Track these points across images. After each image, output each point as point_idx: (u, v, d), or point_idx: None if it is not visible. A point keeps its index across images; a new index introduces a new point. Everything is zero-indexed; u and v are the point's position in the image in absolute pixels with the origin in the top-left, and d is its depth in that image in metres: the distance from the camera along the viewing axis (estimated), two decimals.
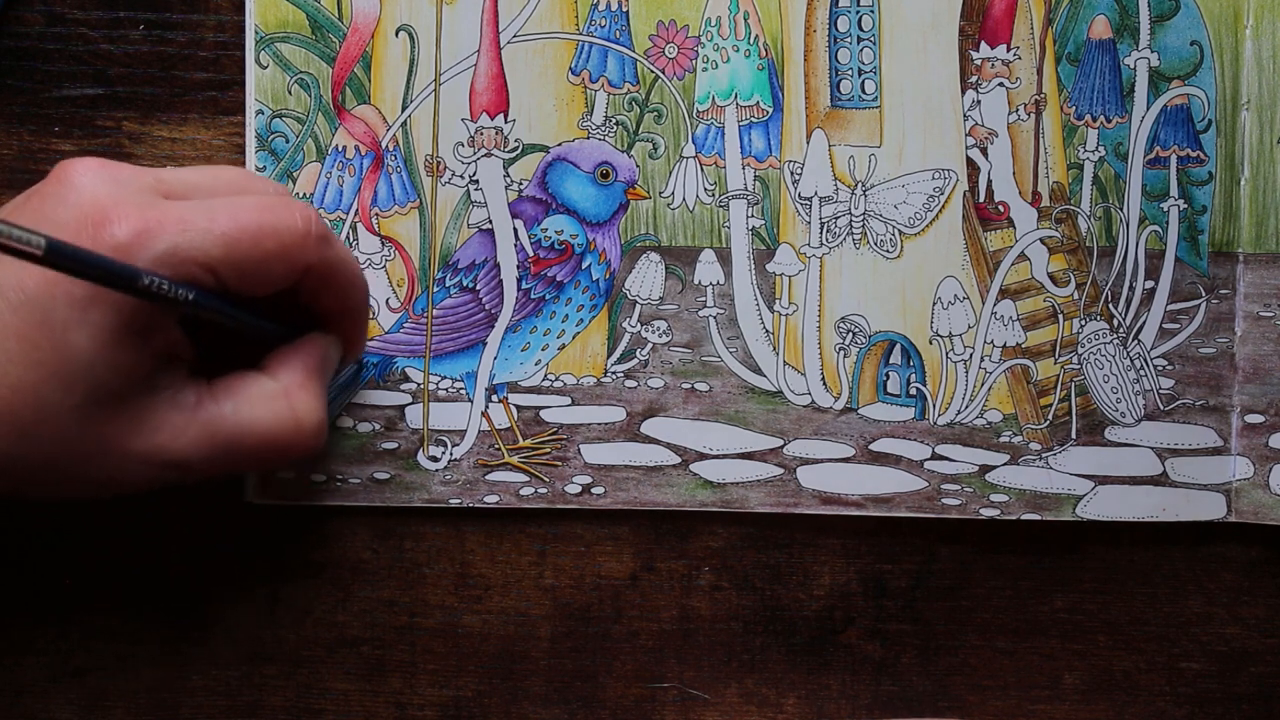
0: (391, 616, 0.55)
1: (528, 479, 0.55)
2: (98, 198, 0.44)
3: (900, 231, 0.55)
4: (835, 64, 0.55)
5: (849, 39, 0.55)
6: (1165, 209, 0.55)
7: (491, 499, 0.55)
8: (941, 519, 0.55)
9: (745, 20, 0.55)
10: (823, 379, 0.55)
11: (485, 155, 0.55)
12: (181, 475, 0.46)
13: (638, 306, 0.55)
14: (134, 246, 0.43)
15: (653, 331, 0.55)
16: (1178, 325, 0.56)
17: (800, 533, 0.56)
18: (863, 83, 0.55)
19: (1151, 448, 0.56)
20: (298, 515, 0.55)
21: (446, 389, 0.55)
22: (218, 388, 0.47)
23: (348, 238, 0.54)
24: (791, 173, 0.55)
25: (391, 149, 0.54)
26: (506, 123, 0.55)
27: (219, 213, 0.45)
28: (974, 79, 0.55)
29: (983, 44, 0.55)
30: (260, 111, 0.54)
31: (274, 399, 0.47)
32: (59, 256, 0.40)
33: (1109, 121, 0.55)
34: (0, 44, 0.54)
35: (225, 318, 0.46)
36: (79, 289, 0.43)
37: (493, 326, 0.55)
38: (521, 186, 0.55)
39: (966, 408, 0.55)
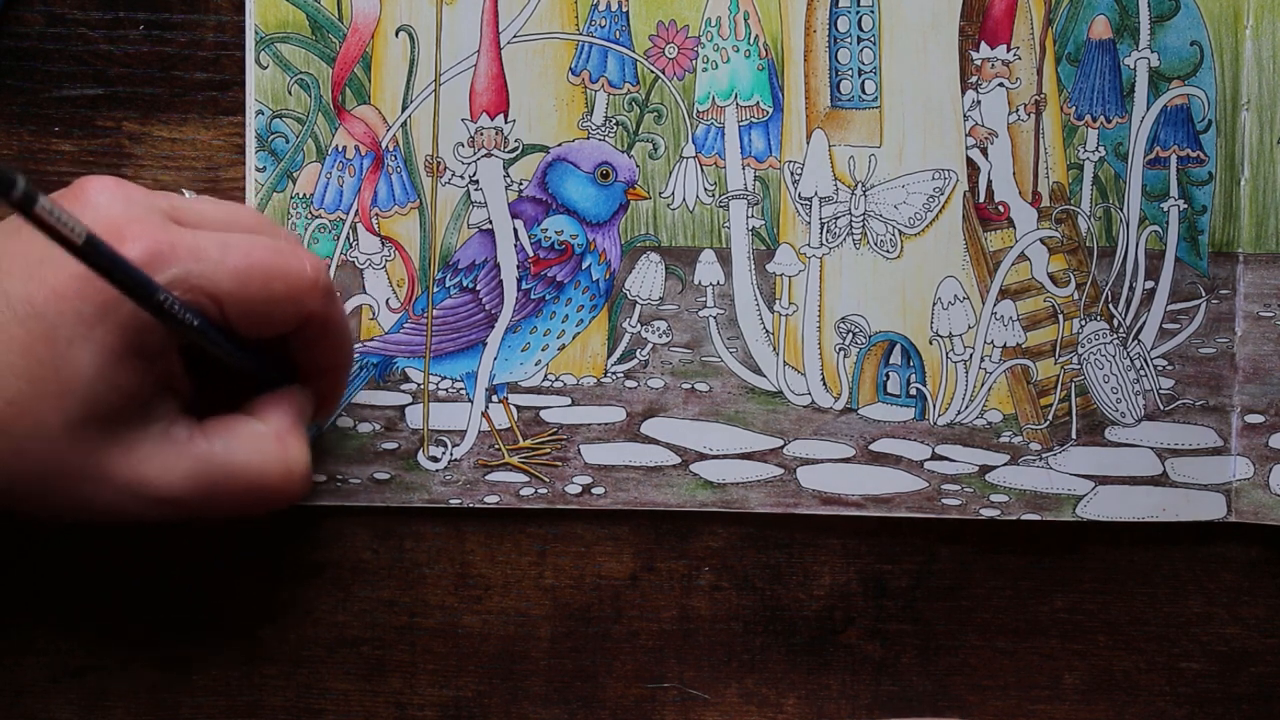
0: (391, 616, 0.55)
1: (528, 479, 0.55)
2: (113, 216, 0.44)
3: (900, 231, 0.55)
4: (835, 64, 0.55)
5: (849, 39, 0.55)
6: (1165, 209, 0.55)
7: (491, 499, 0.55)
8: (941, 519, 0.56)
9: (745, 20, 0.55)
10: (823, 379, 0.55)
11: (485, 155, 0.55)
12: (167, 511, 0.46)
13: (638, 306, 0.55)
14: (146, 266, 0.43)
15: (653, 332, 0.55)
16: (1178, 325, 0.56)
17: (800, 533, 0.56)
18: (863, 83, 0.55)
19: (1151, 448, 0.56)
20: (298, 515, 0.55)
21: (446, 389, 0.55)
22: (209, 427, 0.47)
23: (348, 238, 0.54)
24: (791, 173, 0.55)
25: (391, 149, 0.54)
26: (506, 123, 0.55)
27: (233, 247, 0.45)
28: (974, 79, 0.55)
29: (983, 44, 0.55)
30: (260, 111, 0.54)
31: (265, 442, 0.47)
32: (94, 250, 0.40)
33: (1109, 121, 0.55)
34: (0, 44, 0.54)
35: (224, 353, 0.46)
36: (87, 307, 0.43)
37: (493, 327, 0.55)
38: (521, 187, 0.55)
39: (966, 408, 0.55)
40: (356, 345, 0.54)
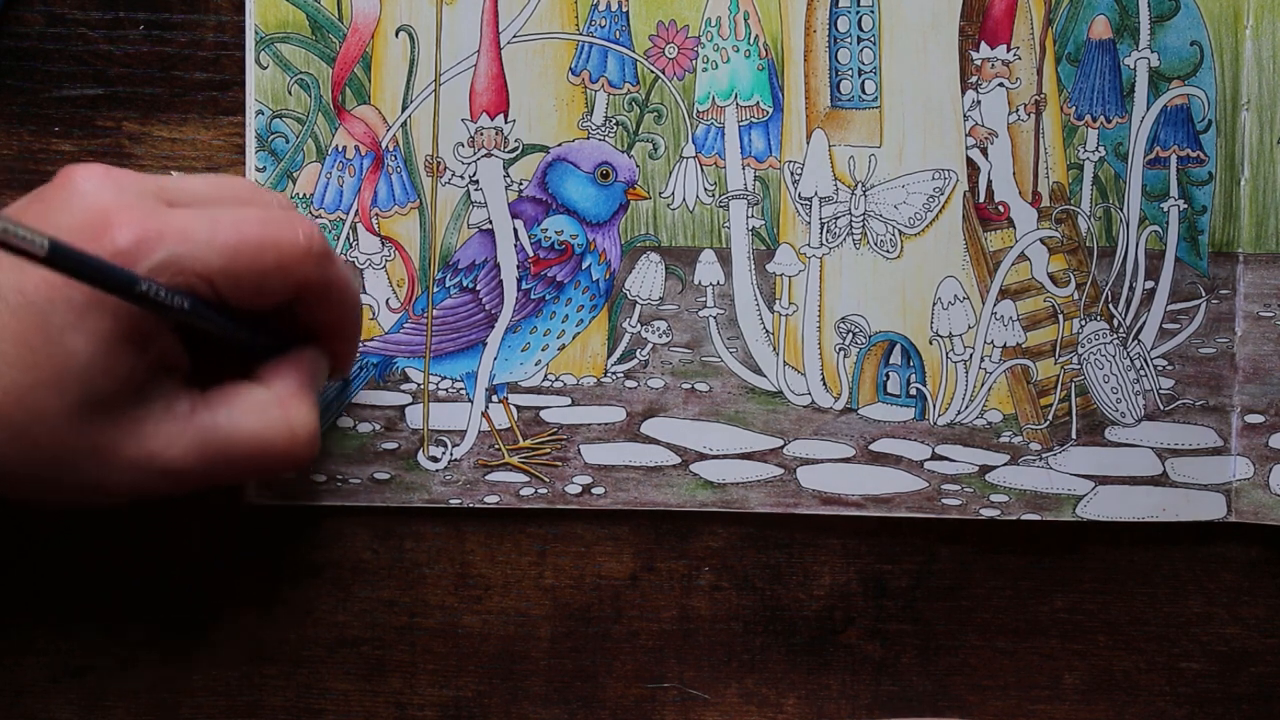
0: (391, 616, 0.55)
1: (528, 479, 0.55)
2: (101, 203, 0.44)
3: (900, 231, 0.55)
4: (835, 64, 0.55)
5: (849, 39, 0.55)
6: (1165, 209, 0.55)
7: (491, 499, 0.55)
8: (941, 519, 0.56)
9: (745, 20, 0.55)
10: (823, 379, 0.55)
11: (485, 155, 0.55)
12: (174, 484, 0.46)
13: (638, 306, 0.55)
14: (134, 253, 0.43)
15: (653, 332, 0.55)
16: (1178, 325, 0.56)
17: (800, 533, 0.56)
18: (863, 83, 0.55)
19: (1151, 448, 0.56)
20: (298, 515, 0.55)
21: (446, 389, 0.55)
22: (211, 397, 0.47)
23: (348, 238, 0.54)
24: (791, 173, 0.55)
25: (391, 149, 0.54)
26: (506, 123, 0.55)
27: (221, 224, 0.45)
28: (974, 79, 0.55)
29: (983, 44, 0.55)
30: (260, 112, 0.54)
31: (268, 407, 0.47)
32: (60, 258, 0.40)
33: (1109, 121, 0.55)
34: (0, 44, 0.54)
35: (219, 328, 0.46)
36: (78, 294, 0.43)
37: (493, 327, 0.55)
38: (521, 187, 0.55)
39: (966, 408, 0.55)
40: None
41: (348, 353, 0.51)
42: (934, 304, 0.55)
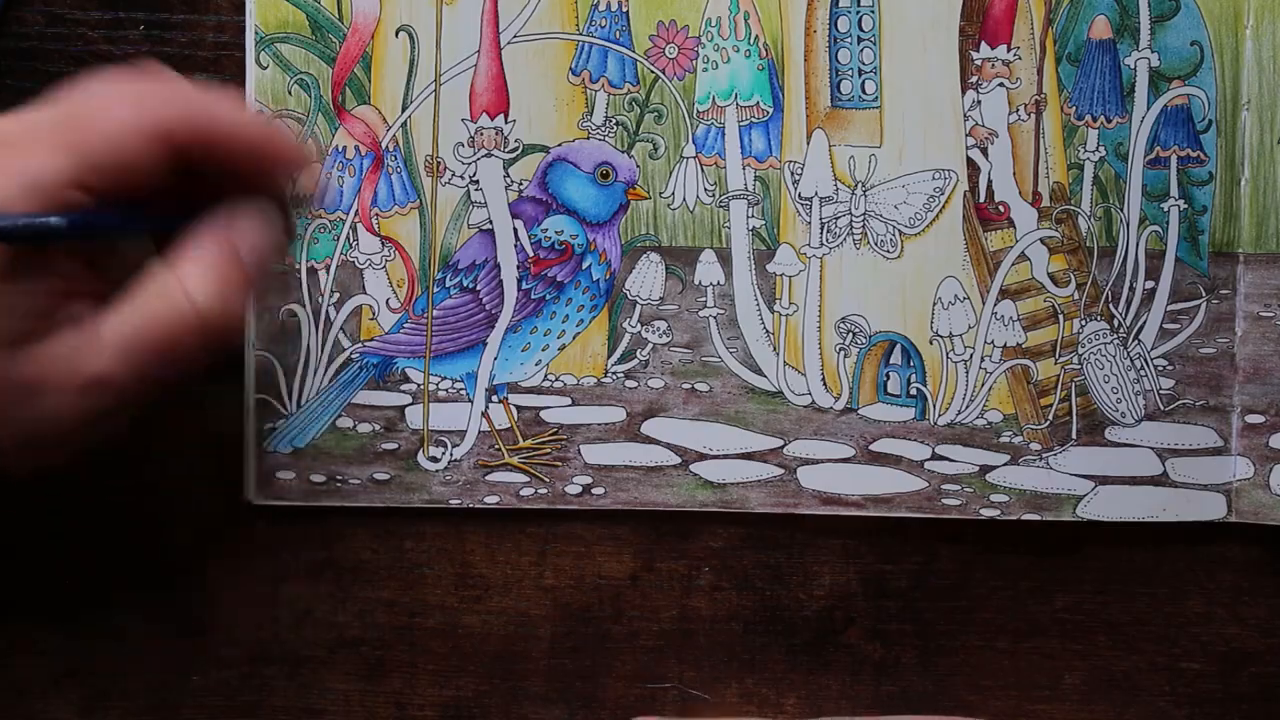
0: (391, 616, 0.55)
1: (528, 479, 0.55)
2: None
3: (900, 231, 0.55)
4: (835, 64, 0.55)
5: (849, 39, 0.55)
6: (1165, 209, 0.55)
7: (491, 499, 0.55)
8: (941, 519, 0.55)
9: (745, 20, 0.55)
10: (823, 379, 0.55)
11: (485, 155, 0.55)
12: (112, 399, 0.44)
13: (638, 307, 0.55)
14: None
15: (653, 332, 0.55)
16: (1178, 325, 0.56)
17: (800, 533, 0.56)
18: (863, 83, 0.55)
19: (1152, 448, 0.56)
20: (298, 515, 0.55)
21: (447, 389, 0.55)
22: (119, 300, 0.45)
23: (348, 238, 0.54)
24: (792, 173, 0.55)
25: (391, 149, 0.54)
26: (506, 123, 0.55)
27: (55, 128, 0.43)
28: (974, 79, 0.55)
29: (983, 44, 0.55)
30: (260, 112, 0.54)
31: (165, 284, 0.45)
32: None
33: (1109, 121, 0.55)
34: (0, 44, 0.54)
35: (119, 229, 0.44)
36: None
37: (493, 327, 0.55)
38: (522, 187, 0.55)
39: (967, 408, 0.55)
40: (357, 345, 0.54)
41: (290, 189, 0.48)
42: (934, 304, 0.55)
